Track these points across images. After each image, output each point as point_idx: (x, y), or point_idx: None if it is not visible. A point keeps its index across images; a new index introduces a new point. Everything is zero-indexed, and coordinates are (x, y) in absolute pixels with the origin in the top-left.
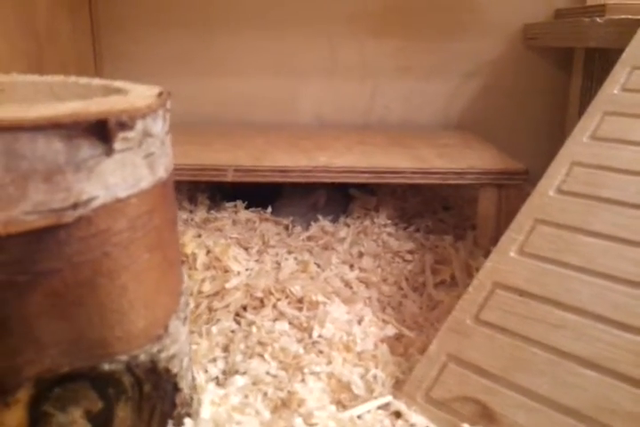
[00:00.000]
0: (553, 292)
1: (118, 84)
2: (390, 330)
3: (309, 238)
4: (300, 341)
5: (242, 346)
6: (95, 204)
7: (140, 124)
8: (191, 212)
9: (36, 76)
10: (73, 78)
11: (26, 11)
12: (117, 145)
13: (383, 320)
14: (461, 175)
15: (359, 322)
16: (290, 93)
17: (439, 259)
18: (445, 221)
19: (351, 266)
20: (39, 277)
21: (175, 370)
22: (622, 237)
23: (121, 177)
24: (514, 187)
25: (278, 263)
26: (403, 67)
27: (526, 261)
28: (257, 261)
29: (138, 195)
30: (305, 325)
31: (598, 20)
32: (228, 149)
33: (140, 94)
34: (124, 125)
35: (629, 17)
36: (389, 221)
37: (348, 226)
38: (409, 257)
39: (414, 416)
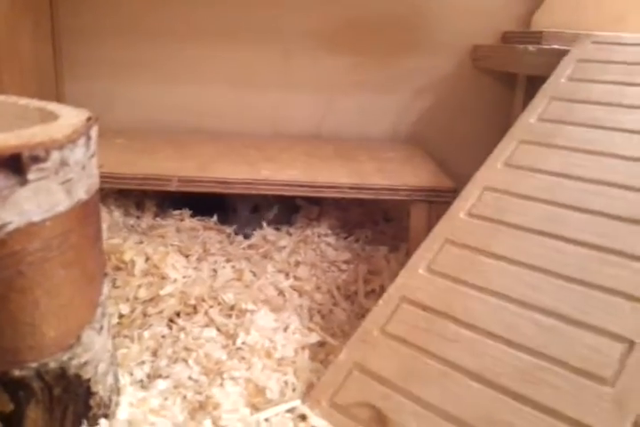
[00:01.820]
0: (452, 308)
1: (53, 107)
2: (314, 337)
3: (250, 247)
4: (224, 347)
5: (169, 351)
6: (9, 228)
7: (56, 155)
8: (138, 218)
9: None
10: (12, 98)
11: None
12: (31, 175)
13: (309, 328)
14: (395, 191)
15: (285, 329)
16: (246, 104)
17: (372, 269)
18: (385, 233)
19: (287, 275)
20: None
21: (87, 376)
22: (519, 260)
23: (35, 203)
24: (444, 203)
25: (215, 271)
26: (356, 81)
27: (433, 278)
28: (195, 268)
29: (53, 218)
30: (232, 332)
31: (530, 48)
32: (176, 158)
33: (66, 122)
34: (37, 159)
35: (558, 47)
36: (330, 231)
37: (290, 235)
38: (344, 267)
39: (317, 420)
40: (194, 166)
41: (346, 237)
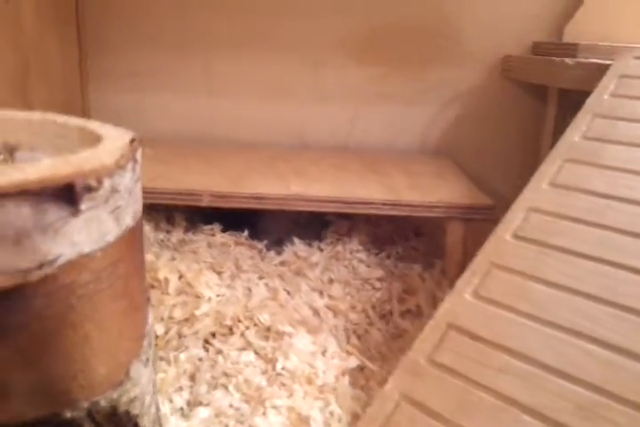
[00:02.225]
0: (502, 337)
1: (93, 125)
2: (353, 362)
3: (282, 263)
4: (264, 372)
5: (208, 376)
6: (60, 261)
7: (107, 183)
8: (168, 232)
9: (15, 112)
10: (51, 116)
11: (13, 28)
12: (84, 205)
13: (347, 352)
14: (430, 208)
15: (323, 353)
16: (274, 115)
17: (407, 288)
18: (416, 249)
19: (321, 293)
20: (6, 331)
21: (136, 411)
22: (571, 287)
23: (86, 234)
24: (481, 220)
25: (249, 289)
26: (384, 93)
27: (480, 304)
28: (228, 286)
29: (103, 248)
30: (270, 356)
31: (568, 61)
32: (206, 172)
33: (110, 144)
34: (91, 188)
35: (597, 61)
36: (361, 247)
37: (321, 250)
38: (378, 285)
39: None
40: (224, 181)
41: (377, 253)
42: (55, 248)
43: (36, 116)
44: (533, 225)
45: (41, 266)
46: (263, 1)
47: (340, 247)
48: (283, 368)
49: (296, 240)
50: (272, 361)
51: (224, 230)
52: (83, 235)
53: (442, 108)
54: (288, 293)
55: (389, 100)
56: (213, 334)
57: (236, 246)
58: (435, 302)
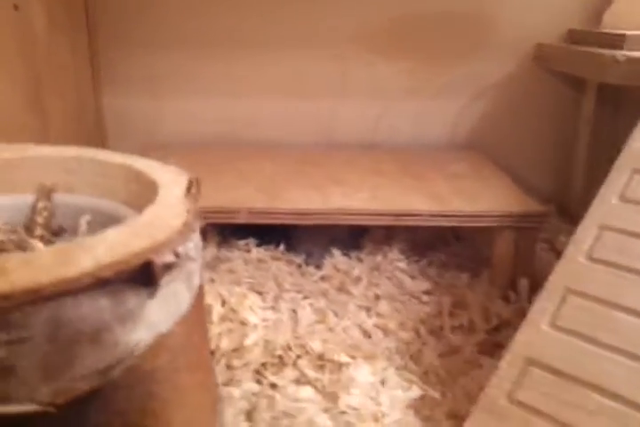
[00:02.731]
0: (588, 373)
1: (140, 164)
2: (415, 391)
3: (323, 279)
4: (326, 410)
5: (266, 416)
6: (139, 348)
7: (181, 250)
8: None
9: (48, 148)
10: (88, 153)
11: (23, 36)
12: (162, 283)
13: (407, 380)
14: (479, 218)
15: (382, 383)
16: (299, 113)
17: (456, 301)
18: (458, 255)
19: (368, 311)
20: None
21: None
22: None
23: (164, 311)
24: (532, 228)
25: (295, 312)
26: (412, 87)
27: (559, 335)
28: (273, 308)
29: (179, 322)
30: (329, 390)
31: (618, 56)
32: (239, 185)
33: (169, 195)
34: (169, 265)
35: None
36: (402, 256)
37: (361, 261)
38: (425, 298)
39: None
40: (260, 194)
41: (417, 261)
42: (134, 335)
43: (71, 152)
44: (607, 245)
45: (121, 360)
46: None
47: (380, 257)
48: (346, 405)
49: (334, 252)
50: (332, 397)
51: (258, 244)
52: (160, 313)
53: (472, 101)
54: (335, 313)
55: (418, 94)
56: (264, 365)
57: (273, 262)
58: (487, 316)
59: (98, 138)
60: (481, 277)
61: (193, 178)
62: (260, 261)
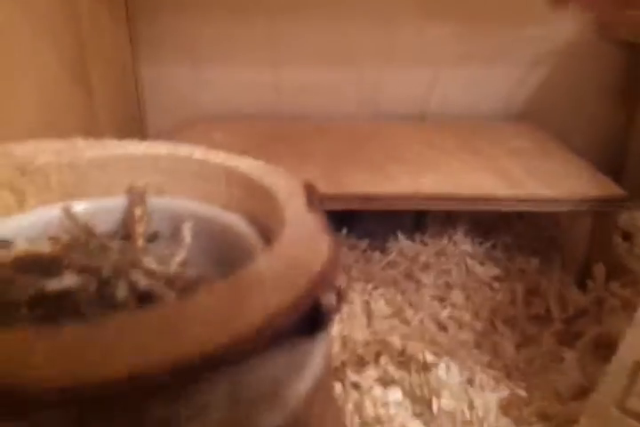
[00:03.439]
0: None
1: (244, 165)
2: (502, 390)
3: (389, 265)
4: (418, 415)
5: (355, 421)
6: (302, 400)
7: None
8: None
9: (135, 145)
10: (182, 150)
11: (70, 12)
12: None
13: (493, 377)
14: (560, 203)
15: (470, 383)
16: (343, 82)
17: (529, 288)
18: (523, 236)
19: (441, 301)
20: None
21: None
22: None
23: (319, 356)
24: (611, 213)
25: (367, 303)
26: (464, 52)
27: None
28: (344, 300)
29: (326, 363)
30: (418, 393)
31: None
32: (295, 165)
33: (292, 207)
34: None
35: None
36: (467, 238)
37: (426, 245)
38: (496, 285)
39: None
40: (320, 177)
41: (481, 243)
42: (302, 385)
43: (163, 149)
44: None
45: (293, 412)
46: None
47: (445, 240)
48: (439, 409)
49: (398, 235)
50: (422, 400)
51: None
52: (317, 358)
53: (528, 69)
54: (410, 304)
55: (470, 60)
56: (343, 363)
57: None
58: (563, 304)
59: (137, 109)
60: (552, 261)
61: (308, 184)
62: None
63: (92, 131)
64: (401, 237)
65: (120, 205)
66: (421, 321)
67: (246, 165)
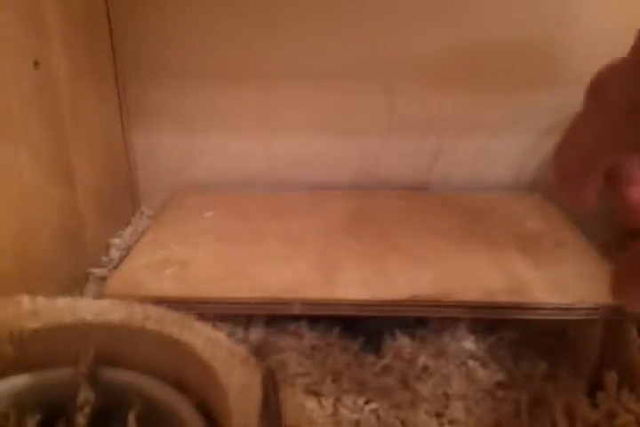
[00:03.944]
0: None
1: (200, 342)
2: None
3: (384, 370)
4: None
5: None
6: None
7: None
8: (245, 329)
9: (88, 307)
10: (138, 320)
11: (47, 93)
12: None
13: None
14: (569, 311)
15: None
16: (341, 152)
17: (536, 398)
18: (531, 330)
19: (438, 417)
20: None
21: None
22: None
23: None
24: (627, 320)
25: (358, 424)
26: (471, 121)
27: None
28: (333, 419)
29: None
30: None
31: None
32: (286, 256)
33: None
34: None
35: None
36: (471, 335)
37: (425, 343)
38: (500, 394)
39: None
40: (314, 276)
41: (485, 338)
42: None
43: (117, 316)
44: None
45: None
46: (326, 22)
47: (446, 337)
48: None
49: (396, 332)
50: None
51: (310, 326)
52: None
53: (539, 138)
54: (403, 425)
55: (477, 129)
56: None
57: (327, 347)
58: (572, 420)
59: (128, 181)
60: (562, 363)
61: (269, 379)
62: (313, 348)
63: (72, 219)
64: (399, 334)
65: (66, 379)
66: None
67: (202, 340)
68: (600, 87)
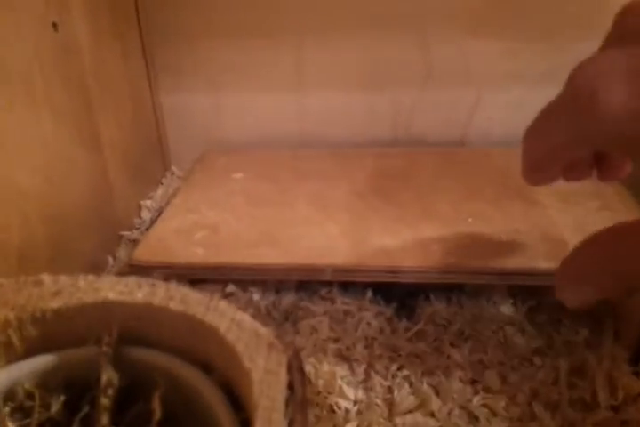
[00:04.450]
0: None
1: (225, 325)
2: None
3: (417, 336)
4: None
5: None
6: None
7: None
8: (277, 292)
9: (110, 286)
10: (163, 299)
11: (68, 56)
12: None
13: None
14: None
15: None
16: (374, 108)
17: (576, 366)
18: None
19: (473, 384)
20: None
21: None
22: None
23: None
24: None
25: (390, 389)
26: (510, 72)
27: None
28: (364, 385)
29: None
30: None
31: None
32: (317, 219)
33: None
34: None
35: None
36: (509, 298)
37: (462, 307)
38: (537, 361)
39: None
40: (346, 241)
41: (524, 302)
42: None
43: (140, 295)
44: None
45: None
46: None
47: (483, 301)
48: None
49: (431, 295)
50: None
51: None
52: None
53: None
54: (436, 391)
55: (517, 80)
56: None
57: (359, 312)
58: (614, 389)
59: (157, 141)
60: (604, 331)
61: (294, 361)
62: (346, 313)
63: (101, 182)
64: (433, 298)
65: (91, 357)
66: (449, 413)
67: (226, 323)
68: (576, 81)
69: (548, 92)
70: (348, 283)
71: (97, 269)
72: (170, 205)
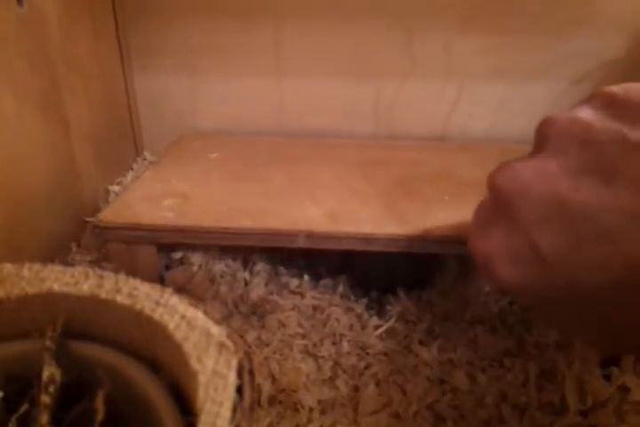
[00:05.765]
0: None
1: (175, 320)
2: None
3: (388, 333)
4: None
5: None
6: None
7: None
8: (246, 284)
9: (55, 277)
10: (109, 292)
11: (33, 34)
12: None
13: None
14: None
15: None
16: (355, 99)
17: (545, 368)
18: None
19: (441, 383)
20: None
21: None
22: None
23: None
24: None
25: (356, 389)
26: (494, 67)
27: None
28: (330, 383)
29: None
30: None
31: None
32: (292, 196)
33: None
34: None
35: None
36: (482, 299)
37: (432, 305)
38: (507, 362)
39: None
40: (320, 212)
41: (497, 300)
42: None
43: (86, 287)
44: None
45: None
46: None
47: (454, 300)
48: None
49: (400, 293)
50: None
51: (314, 278)
52: None
53: (568, 88)
54: (403, 391)
55: (501, 76)
56: None
57: (329, 308)
58: (583, 393)
59: (129, 125)
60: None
61: (245, 363)
62: (315, 308)
63: (66, 164)
64: (403, 295)
65: (33, 351)
66: (416, 413)
67: (177, 317)
68: (497, 187)
69: (529, 89)
70: (319, 274)
71: (59, 255)
72: (140, 179)
